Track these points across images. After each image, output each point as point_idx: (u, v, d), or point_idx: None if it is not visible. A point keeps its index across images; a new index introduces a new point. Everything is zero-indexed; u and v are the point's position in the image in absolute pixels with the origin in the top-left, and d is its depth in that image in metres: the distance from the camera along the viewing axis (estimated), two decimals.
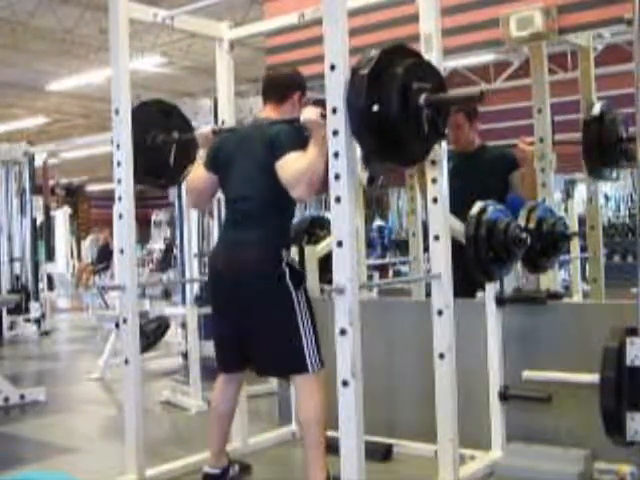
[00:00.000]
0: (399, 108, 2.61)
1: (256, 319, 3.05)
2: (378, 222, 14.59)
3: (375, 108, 2.55)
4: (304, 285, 3.08)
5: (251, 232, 3.08)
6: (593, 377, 2.78)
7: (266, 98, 3.29)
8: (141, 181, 3.65)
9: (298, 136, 3.00)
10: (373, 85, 2.56)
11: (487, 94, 2.92)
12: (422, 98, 2.65)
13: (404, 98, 2.62)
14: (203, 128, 3.55)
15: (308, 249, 3.58)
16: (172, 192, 7.07)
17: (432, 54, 3.06)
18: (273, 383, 4.78)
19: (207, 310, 4.79)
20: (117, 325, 5.68)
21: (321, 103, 2.74)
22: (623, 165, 3.99)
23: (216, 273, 3.19)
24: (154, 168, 3.75)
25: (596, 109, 3.92)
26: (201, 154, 3.42)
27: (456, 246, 3.21)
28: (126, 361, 3.34)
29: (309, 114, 2.92)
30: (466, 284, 3.45)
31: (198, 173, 3.34)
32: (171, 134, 3.74)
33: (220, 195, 3.44)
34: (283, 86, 3.28)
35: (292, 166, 2.93)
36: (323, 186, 2.79)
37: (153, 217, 21.65)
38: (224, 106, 3.89)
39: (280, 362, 3.08)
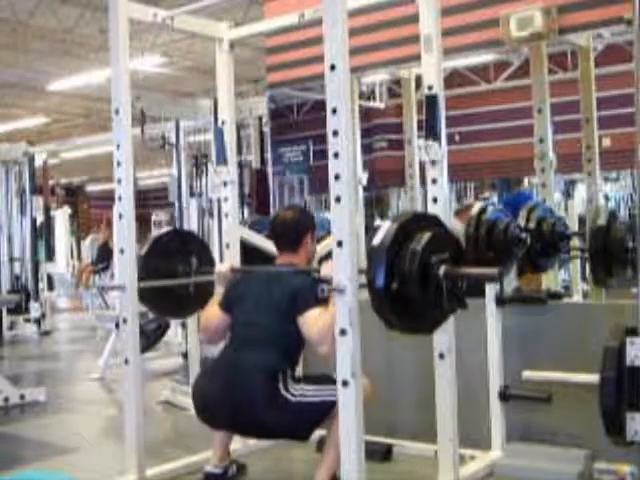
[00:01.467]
0: (419, 284, 2.59)
1: (267, 430, 3.09)
2: (378, 222, 14.59)
3: (394, 286, 2.54)
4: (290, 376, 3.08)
5: (255, 357, 3.05)
6: (593, 377, 2.78)
7: (280, 247, 3.34)
8: (162, 314, 3.67)
9: (317, 289, 2.97)
10: (391, 262, 2.55)
11: (503, 276, 2.94)
12: (442, 271, 2.63)
13: (424, 273, 2.60)
14: (222, 265, 3.59)
15: None
16: (172, 192, 7.07)
17: (432, 54, 3.07)
18: None
19: None
20: (117, 325, 5.68)
21: (322, 104, 2.74)
22: (629, 275, 3.89)
23: (209, 399, 3.13)
24: (174, 300, 3.80)
25: (602, 219, 3.79)
26: (218, 291, 3.44)
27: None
28: (126, 361, 3.34)
29: (329, 270, 2.90)
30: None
31: (212, 311, 3.33)
32: (190, 264, 3.77)
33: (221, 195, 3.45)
34: (294, 233, 3.31)
35: (317, 323, 2.94)
36: None
37: (153, 217, 21.63)
38: (224, 106, 3.89)
39: (312, 424, 3.06)
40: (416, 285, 2.59)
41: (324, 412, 3.00)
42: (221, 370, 3.18)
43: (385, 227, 2.61)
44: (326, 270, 2.99)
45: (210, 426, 3.22)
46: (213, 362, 3.41)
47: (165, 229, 3.97)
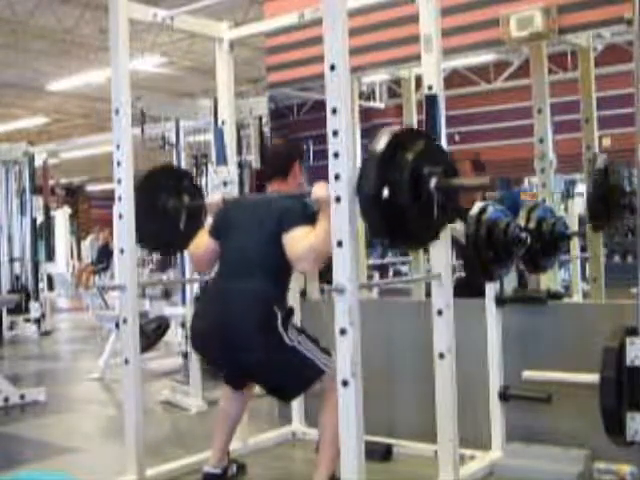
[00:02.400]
0: (410, 193, 2.59)
1: (255, 366, 3.06)
2: None
3: (385, 194, 2.53)
4: (292, 319, 3.08)
5: (243, 283, 3.06)
6: (593, 377, 2.78)
7: (270, 176, 3.36)
8: (153, 248, 3.66)
9: (306, 211, 3.03)
10: (383, 170, 2.54)
11: (496, 186, 2.93)
12: (433, 183, 2.62)
13: (415, 183, 2.60)
14: (214, 196, 3.58)
15: None
16: None
17: (432, 54, 3.07)
18: None
19: None
20: (117, 325, 5.68)
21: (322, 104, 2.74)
22: (627, 218, 3.91)
23: (204, 329, 3.15)
24: (165, 234, 3.75)
25: (600, 163, 3.80)
26: (209, 221, 3.44)
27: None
28: (126, 361, 3.34)
29: (320, 191, 2.93)
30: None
31: (201, 240, 3.34)
32: (182, 199, 3.74)
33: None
34: (283, 160, 3.34)
35: (301, 242, 2.95)
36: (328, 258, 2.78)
37: None
38: (224, 106, 3.89)
39: (298, 382, 3.09)
40: (407, 195, 2.57)
41: (312, 376, 3.01)
42: (214, 298, 3.19)
43: (380, 138, 2.59)
44: (317, 191, 2.96)
45: (204, 356, 3.23)
46: (206, 293, 3.39)
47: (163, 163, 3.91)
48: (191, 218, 3.72)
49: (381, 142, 2.56)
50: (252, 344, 2.99)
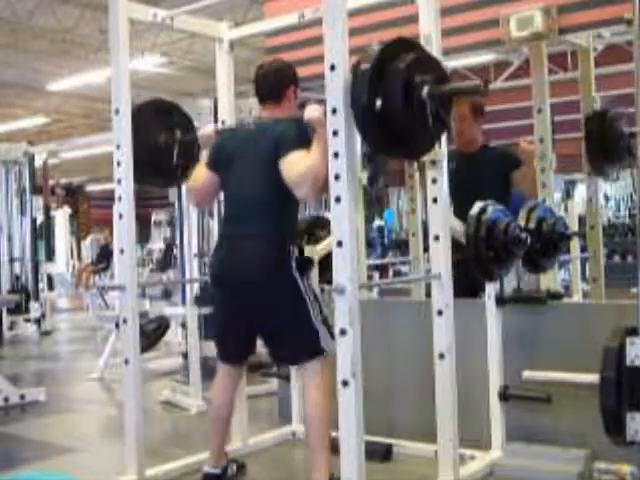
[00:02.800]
0: (402, 102, 2.59)
1: (266, 310, 3.08)
2: (378, 222, 14.59)
3: (378, 104, 2.54)
4: (310, 272, 3.09)
5: (253, 226, 3.08)
6: (593, 377, 2.78)
7: (262, 99, 3.30)
8: (144, 181, 3.64)
9: (302, 135, 3.00)
10: (375, 81, 2.55)
11: (488, 90, 2.92)
12: (425, 91, 2.62)
13: (407, 92, 2.60)
14: (206, 128, 3.55)
15: (308, 249, 3.58)
16: (172, 192, 7.07)
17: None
18: (273, 383, 4.79)
19: (207, 310, 4.81)
20: (117, 325, 5.68)
21: (322, 103, 2.74)
22: (625, 161, 3.97)
23: (220, 271, 3.18)
24: (157, 168, 3.72)
25: (598, 105, 3.92)
26: (204, 154, 3.42)
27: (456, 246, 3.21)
28: (126, 361, 3.34)
29: (312, 112, 2.93)
30: (467, 284, 3.46)
31: (199, 172, 3.34)
32: (173, 134, 3.72)
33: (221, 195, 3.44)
34: (276, 84, 3.27)
35: (297, 165, 2.93)
36: (326, 186, 2.78)
37: (153, 217, 21.65)
38: (224, 106, 3.89)
39: (296, 346, 3.09)
40: (400, 104, 2.57)
41: (311, 345, 3.02)
42: (227, 243, 3.18)
43: (371, 50, 2.60)
44: (310, 112, 2.95)
45: (223, 299, 3.21)
46: (219, 238, 3.39)
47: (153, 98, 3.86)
48: (185, 151, 3.69)
49: (373, 53, 2.58)
50: (268, 280, 3.00)
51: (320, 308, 3.10)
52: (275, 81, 3.28)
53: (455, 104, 2.93)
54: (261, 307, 3.09)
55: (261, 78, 3.31)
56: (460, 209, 3.20)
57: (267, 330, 3.18)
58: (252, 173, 3.11)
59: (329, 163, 2.60)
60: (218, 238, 3.45)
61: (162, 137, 3.71)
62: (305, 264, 3.09)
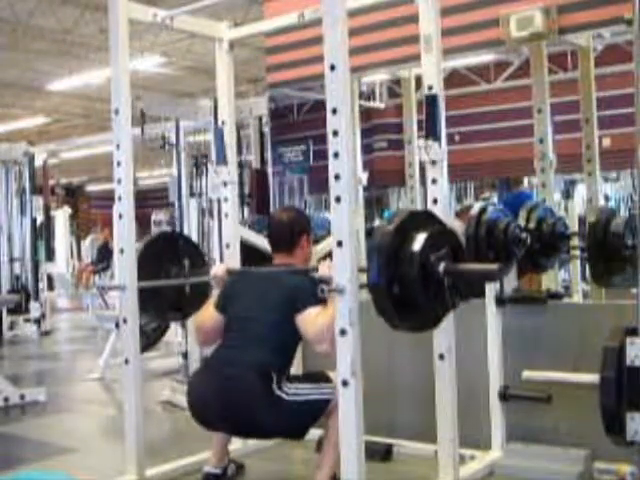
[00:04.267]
0: (420, 284, 2.60)
1: (262, 431, 3.09)
2: (378, 222, 14.58)
3: (396, 290, 2.55)
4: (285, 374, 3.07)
5: (248, 355, 3.03)
6: (593, 377, 2.78)
7: (276, 247, 3.33)
8: (163, 318, 3.65)
9: (316, 290, 2.95)
10: (391, 264, 2.56)
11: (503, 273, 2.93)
12: (441, 267, 2.63)
13: (424, 272, 2.61)
14: (217, 268, 3.56)
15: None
16: (172, 192, 7.07)
17: (432, 54, 3.07)
18: None
19: None
20: (117, 325, 5.68)
21: (322, 104, 2.74)
22: (627, 272, 3.86)
23: (203, 403, 3.11)
24: (173, 302, 3.78)
25: (601, 217, 3.75)
26: (215, 294, 3.41)
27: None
28: (126, 361, 3.34)
29: (326, 270, 2.93)
30: None
31: (206, 312, 3.31)
32: (184, 268, 3.75)
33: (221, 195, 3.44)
34: (289, 235, 3.29)
35: (316, 322, 2.93)
36: None
37: (153, 217, 21.62)
38: (224, 106, 3.89)
39: (306, 422, 3.04)
40: (417, 286, 2.59)
41: (319, 410, 2.99)
42: (214, 369, 3.16)
43: (383, 230, 2.62)
44: (324, 270, 2.99)
45: (205, 427, 3.20)
46: (206, 361, 3.39)
47: (159, 230, 3.93)
48: (196, 285, 3.75)
49: (386, 234, 2.60)
50: (254, 415, 2.97)
51: (304, 379, 3.09)
52: (289, 233, 3.29)
53: None
54: (253, 431, 3.12)
55: (275, 228, 3.35)
56: None
57: (271, 436, 3.27)
58: (260, 313, 3.10)
59: (329, 163, 2.60)
60: (204, 363, 3.40)
61: (173, 272, 3.75)
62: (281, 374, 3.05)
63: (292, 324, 3.02)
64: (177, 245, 3.91)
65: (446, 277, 2.63)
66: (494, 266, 2.86)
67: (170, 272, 3.76)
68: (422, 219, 2.78)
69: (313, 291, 2.94)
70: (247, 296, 3.21)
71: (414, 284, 2.58)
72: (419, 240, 2.63)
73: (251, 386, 2.96)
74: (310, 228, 3.38)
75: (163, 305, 3.80)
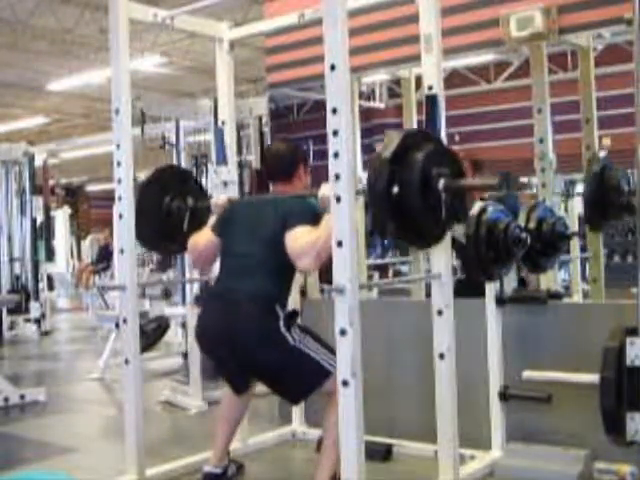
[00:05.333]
0: (419, 193, 2.62)
1: (260, 367, 3.08)
2: None
3: (395, 190, 2.57)
4: (295, 320, 3.08)
5: (245, 284, 3.06)
6: (593, 377, 2.78)
7: (273, 177, 3.34)
8: (155, 247, 3.64)
9: (311, 211, 3.02)
10: (394, 169, 2.58)
11: (503, 186, 2.96)
12: (441, 183, 2.65)
13: (424, 183, 2.63)
14: (220, 197, 3.56)
15: None
16: None
17: (432, 54, 3.07)
18: None
19: None
20: (117, 325, 5.68)
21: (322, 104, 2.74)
22: (625, 219, 3.89)
23: (209, 330, 3.16)
24: (168, 233, 3.72)
25: (596, 166, 3.80)
26: (212, 219, 3.42)
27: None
28: (126, 361, 3.34)
29: (326, 191, 2.91)
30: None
31: (201, 235, 3.33)
32: (186, 200, 3.71)
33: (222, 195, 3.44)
34: (287, 164, 3.30)
35: (301, 238, 2.94)
36: (328, 258, 2.77)
37: None
38: (224, 106, 3.89)
39: (304, 383, 3.07)
40: (416, 193, 2.61)
41: (316, 376, 2.99)
42: (217, 301, 3.18)
43: (392, 138, 2.64)
44: (323, 191, 2.96)
45: (206, 354, 3.22)
46: (209, 294, 3.37)
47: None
48: (195, 219, 3.69)
49: (393, 142, 2.60)
50: (256, 345, 2.99)
51: (311, 335, 3.08)
52: (287, 162, 3.30)
53: None
54: (254, 364, 3.10)
55: (273, 158, 3.36)
56: None
57: (267, 382, 3.19)
58: (256, 239, 3.11)
59: (329, 163, 2.60)
60: (207, 295, 3.41)
61: (175, 203, 3.70)
62: (292, 318, 3.07)
63: (284, 246, 3.00)
64: (184, 178, 3.85)
65: (445, 194, 2.65)
66: (494, 179, 2.87)
67: (171, 205, 3.69)
68: (430, 138, 2.83)
69: (306, 211, 2.99)
70: (245, 222, 3.21)
71: (413, 191, 2.60)
72: (424, 151, 2.67)
73: (254, 314, 3.00)
74: (306, 158, 3.37)
75: (160, 236, 3.73)
